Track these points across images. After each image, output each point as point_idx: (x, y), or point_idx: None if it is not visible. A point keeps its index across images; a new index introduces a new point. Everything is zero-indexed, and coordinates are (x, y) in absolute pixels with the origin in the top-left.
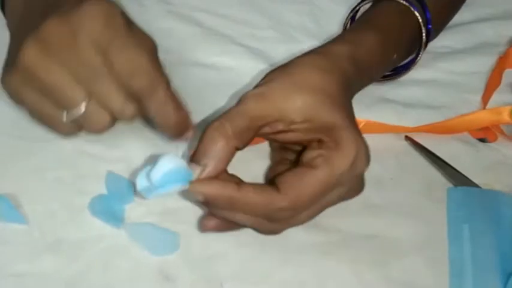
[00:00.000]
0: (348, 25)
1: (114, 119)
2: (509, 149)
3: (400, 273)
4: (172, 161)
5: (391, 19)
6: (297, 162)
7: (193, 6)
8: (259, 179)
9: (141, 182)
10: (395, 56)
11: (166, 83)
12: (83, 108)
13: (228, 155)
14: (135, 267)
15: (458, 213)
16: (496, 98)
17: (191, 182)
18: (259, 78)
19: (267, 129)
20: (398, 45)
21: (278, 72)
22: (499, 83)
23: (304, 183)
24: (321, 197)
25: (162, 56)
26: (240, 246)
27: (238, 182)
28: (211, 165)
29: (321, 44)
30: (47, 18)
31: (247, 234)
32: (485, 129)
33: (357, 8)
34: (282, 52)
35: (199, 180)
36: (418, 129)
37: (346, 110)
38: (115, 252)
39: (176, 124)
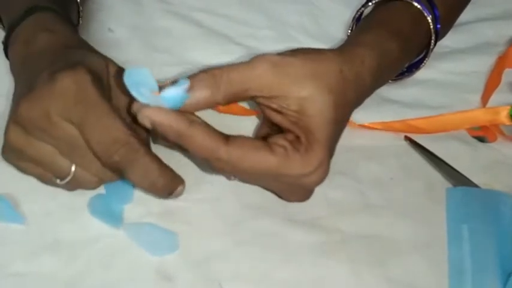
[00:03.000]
0: (354, 26)
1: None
2: (508, 149)
3: (400, 273)
4: (183, 88)
5: (407, 25)
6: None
7: (192, 5)
8: None
9: (145, 92)
10: (407, 64)
11: (145, 148)
12: (71, 175)
13: (206, 104)
14: (134, 267)
15: (458, 213)
16: (495, 98)
17: (143, 107)
18: None
19: (261, 100)
20: (412, 52)
21: (306, 53)
22: (499, 82)
23: (253, 154)
24: (257, 176)
25: (161, 55)
26: (239, 246)
27: (192, 119)
28: (189, 102)
29: (342, 42)
30: (20, 101)
31: (247, 234)
32: (484, 128)
33: (363, 8)
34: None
35: (151, 108)
36: (407, 125)
37: (337, 128)
38: (114, 252)
39: (162, 189)
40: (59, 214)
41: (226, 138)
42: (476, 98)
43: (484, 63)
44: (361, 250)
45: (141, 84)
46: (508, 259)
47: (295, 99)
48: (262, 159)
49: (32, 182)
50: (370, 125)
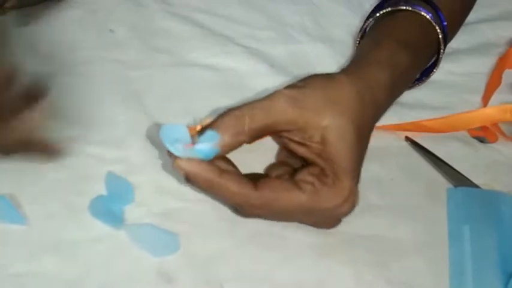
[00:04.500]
0: (361, 37)
1: None
2: (509, 149)
3: (400, 274)
4: (214, 142)
5: (416, 36)
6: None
7: (193, 6)
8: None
9: (177, 146)
10: (418, 75)
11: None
12: None
13: (233, 147)
14: (134, 267)
15: (459, 213)
16: (496, 99)
17: (176, 158)
18: (261, 79)
19: (284, 134)
20: (422, 63)
21: (319, 81)
22: (499, 83)
23: (283, 196)
24: (289, 215)
25: (161, 56)
26: (240, 246)
27: (222, 169)
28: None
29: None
30: None
31: (248, 235)
32: (484, 128)
33: (372, 19)
34: (282, 52)
35: (184, 159)
36: (419, 126)
37: (360, 151)
38: (115, 253)
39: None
40: (61, 215)
41: (255, 183)
42: (477, 98)
43: (485, 64)
44: (361, 251)
45: (175, 139)
46: (509, 260)
47: (317, 129)
48: (293, 199)
49: (34, 182)
50: (382, 127)
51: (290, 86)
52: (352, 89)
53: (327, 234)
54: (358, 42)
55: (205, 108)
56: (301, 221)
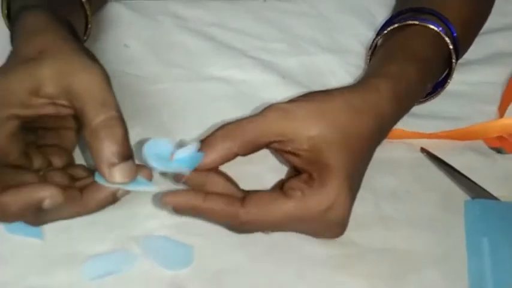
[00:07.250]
0: (371, 53)
1: None
2: None
3: (416, 287)
4: (193, 148)
5: (425, 48)
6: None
7: (205, 20)
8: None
9: (152, 157)
10: (429, 86)
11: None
12: None
13: (226, 158)
14: (147, 280)
15: (477, 226)
16: None
17: (163, 194)
18: (273, 91)
19: (275, 145)
20: (434, 75)
21: (315, 96)
22: None
23: (270, 208)
24: (283, 224)
25: (175, 70)
26: (253, 259)
27: (207, 192)
28: (209, 158)
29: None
30: None
31: (262, 248)
32: (502, 139)
33: (380, 37)
34: (293, 64)
35: (169, 193)
36: (443, 135)
37: (353, 156)
38: (127, 266)
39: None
40: (78, 228)
41: (243, 198)
42: (492, 108)
43: (498, 74)
44: (376, 264)
45: (158, 154)
46: None
47: (306, 138)
48: (281, 208)
49: None
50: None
51: (288, 100)
52: (343, 101)
53: (342, 247)
54: (369, 58)
55: (219, 120)
56: (297, 231)
